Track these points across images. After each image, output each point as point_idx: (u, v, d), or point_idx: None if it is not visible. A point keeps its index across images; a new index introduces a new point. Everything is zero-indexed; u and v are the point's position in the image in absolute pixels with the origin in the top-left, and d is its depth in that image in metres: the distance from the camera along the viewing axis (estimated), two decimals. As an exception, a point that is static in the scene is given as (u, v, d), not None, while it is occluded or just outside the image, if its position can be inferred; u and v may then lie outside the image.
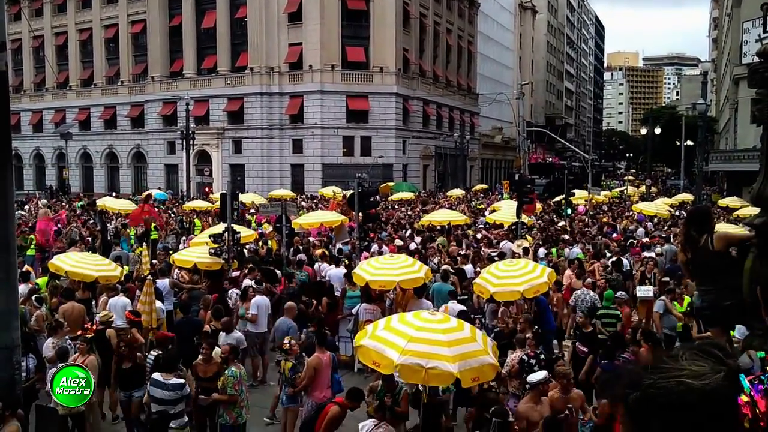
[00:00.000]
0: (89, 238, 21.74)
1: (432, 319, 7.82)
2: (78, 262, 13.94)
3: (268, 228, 23.03)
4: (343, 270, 15.33)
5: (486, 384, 8.05)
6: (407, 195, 40.66)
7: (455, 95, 64.52)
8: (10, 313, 7.69)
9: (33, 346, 10.17)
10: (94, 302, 13.51)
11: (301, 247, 19.32)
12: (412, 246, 19.07)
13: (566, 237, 21.14)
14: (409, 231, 23.59)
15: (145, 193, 32.17)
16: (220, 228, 16.29)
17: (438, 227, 23.76)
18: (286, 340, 10.09)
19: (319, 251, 19.12)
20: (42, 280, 14.49)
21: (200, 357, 9.26)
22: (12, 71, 55.07)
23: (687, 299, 12.52)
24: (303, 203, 35.74)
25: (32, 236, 20.52)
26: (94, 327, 11.06)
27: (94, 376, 9.47)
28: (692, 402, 1.21)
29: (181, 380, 8.16)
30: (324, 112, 51.36)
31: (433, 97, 59.14)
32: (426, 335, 7.42)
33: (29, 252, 19.51)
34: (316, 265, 16.74)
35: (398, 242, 19.45)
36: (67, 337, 10.34)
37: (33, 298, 12.26)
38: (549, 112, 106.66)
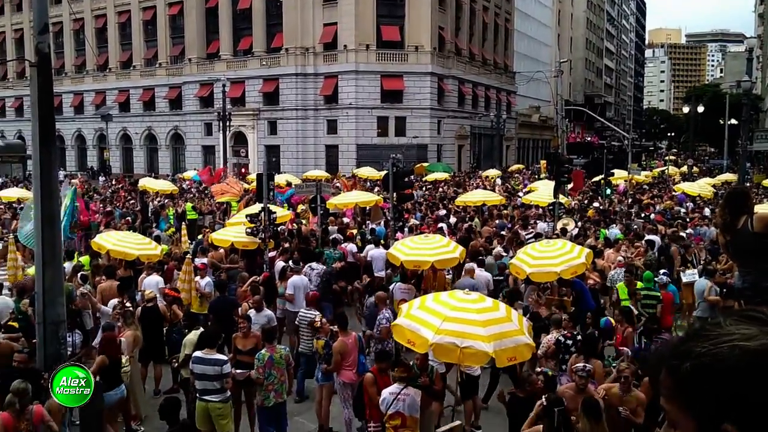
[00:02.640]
0: (129, 218, 22.21)
1: (467, 298, 7.82)
2: (120, 241, 14.27)
3: (302, 209, 23.16)
4: (383, 250, 15.38)
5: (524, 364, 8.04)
6: (442, 175, 40.48)
7: (491, 74, 63.73)
8: (56, 290, 7.92)
9: (78, 322, 10.46)
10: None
11: (331, 227, 19.42)
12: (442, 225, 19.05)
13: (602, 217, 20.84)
14: (443, 211, 23.52)
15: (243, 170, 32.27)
16: (256, 208, 16.47)
17: (473, 208, 23.65)
18: (317, 318, 10.21)
19: (352, 231, 19.24)
20: (85, 259, 14.89)
21: (239, 332, 9.44)
22: (54, 54, 56.06)
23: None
24: (338, 183, 35.83)
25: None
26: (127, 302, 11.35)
27: (134, 350, 9.76)
28: (752, 364, 1.17)
29: (223, 356, 8.32)
30: (358, 93, 51.25)
31: (469, 76, 58.50)
32: (461, 315, 7.44)
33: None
34: (349, 245, 16.83)
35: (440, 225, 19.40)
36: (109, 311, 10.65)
37: (78, 275, 12.59)
38: (588, 90, 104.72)
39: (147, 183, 31.64)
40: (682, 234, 17.51)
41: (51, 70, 7.78)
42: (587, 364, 7.45)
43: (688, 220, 21.18)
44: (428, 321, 7.46)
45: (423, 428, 7.84)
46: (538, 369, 8.62)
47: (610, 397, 7.27)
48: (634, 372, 7.58)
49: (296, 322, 11.13)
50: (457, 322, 7.34)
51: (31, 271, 13.16)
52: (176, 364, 9.90)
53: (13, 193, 28.32)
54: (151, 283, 12.51)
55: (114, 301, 11.03)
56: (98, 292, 12.05)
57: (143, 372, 10.80)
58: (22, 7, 68.95)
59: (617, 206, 25.64)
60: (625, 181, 32.97)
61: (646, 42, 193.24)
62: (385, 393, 7.54)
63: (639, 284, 12.33)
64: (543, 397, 6.70)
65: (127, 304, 11.21)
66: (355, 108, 51.04)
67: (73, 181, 36.23)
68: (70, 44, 67.06)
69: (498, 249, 15.61)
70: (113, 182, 43.25)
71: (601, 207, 24.24)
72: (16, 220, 22.32)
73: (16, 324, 10.35)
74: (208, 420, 8.19)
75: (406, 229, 18.81)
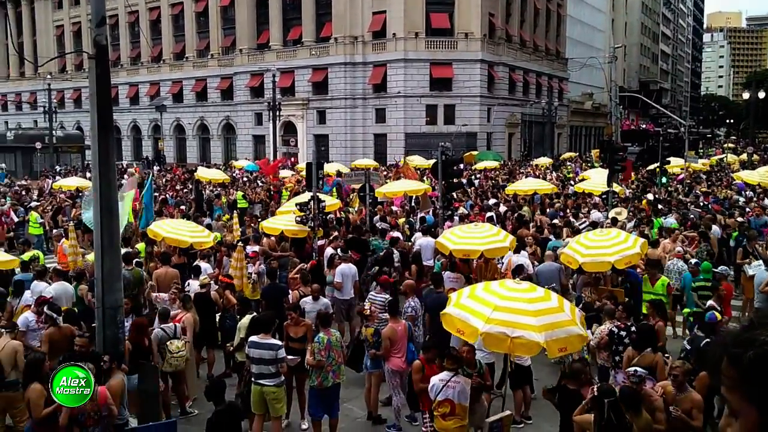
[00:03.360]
0: (183, 207, 22.69)
1: (518, 288, 7.73)
2: (174, 229, 14.59)
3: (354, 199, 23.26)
4: (431, 239, 15.39)
5: (575, 355, 7.91)
6: (492, 164, 40.09)
7: (543, 60, 62.70)
8: (114, 276, 8.13)
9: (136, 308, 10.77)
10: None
11: (379, 215, 19.49)
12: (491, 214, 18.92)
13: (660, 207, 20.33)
14: (493, 200, 23.30)
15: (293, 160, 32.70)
16: (306, 197, 16.61)
17: (523, 196, 23.35)
18: (366, 306, 10.25)
19: (400, 220, 19.26)
20: (141, 246, 15.28)
21: (289, 320, 9.56)
22: (110, 46, 57.48)
23: None
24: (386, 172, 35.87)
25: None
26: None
27: (191, 333, 9.97)
28: None
29: (278, 341, 8.44)
30: (407, 81, 51.09)
31: (520, 63, 57.67)
32: (512, 304, 7.36)
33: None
34: (396, 233, 16.83)
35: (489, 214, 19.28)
36: (166, 297, 10.92)
37: (134, 262, 12.92)
38: (643, 76, 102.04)
39: (200, 172, 32.30)
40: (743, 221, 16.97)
41: (108, 62, 7.96)
42: (638, 368, 7.17)
43: (747, 210, 20.46)
44: (478, 310, 7.39)
45: (474, 420, 7.81)
46: (575, 356, 8.45)
47: (666, 396, 7.07)
48: (686, 370, 7.32)
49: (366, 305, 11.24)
50: (507, 311, 7.26)
51: (90, 257, 13.60)
52: (231, 349, 10.11)
53: (72, 182, 29.27)
54: (203, 269, 12.75)
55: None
56: (154, 278, 12.35)
57: (197, 356, 11.04)
58: (79, 1, 70.87)
59: (674, 195, 24.94)
60: (682, 169, 32.05)
61: (705, 26, 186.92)
62: (435, 380, 7.53)
63: (663, 279, 11.91)
64: (593, 387, 6.58)
65: (187, 289, 11.50)
66: (403, 96, 50.92)
67: (129, 170, 37.25)
68: (125, 37, 68.69)
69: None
70: (167, 171, 44.26)
71: (657, 196, 23.58)
72: (75, 208, 23.09)
73: (75, 309, 10.72)
74: (263, 403, 8.37)
75: (455, 218, 18.72)
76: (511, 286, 7.79)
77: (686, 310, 12.38)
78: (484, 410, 7.99)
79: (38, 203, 24.87)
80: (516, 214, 19.08)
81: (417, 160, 39.20)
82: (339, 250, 14.36)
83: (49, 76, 56.29)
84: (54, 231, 19.34)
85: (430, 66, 51.03)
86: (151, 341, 9.21)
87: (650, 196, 23.28)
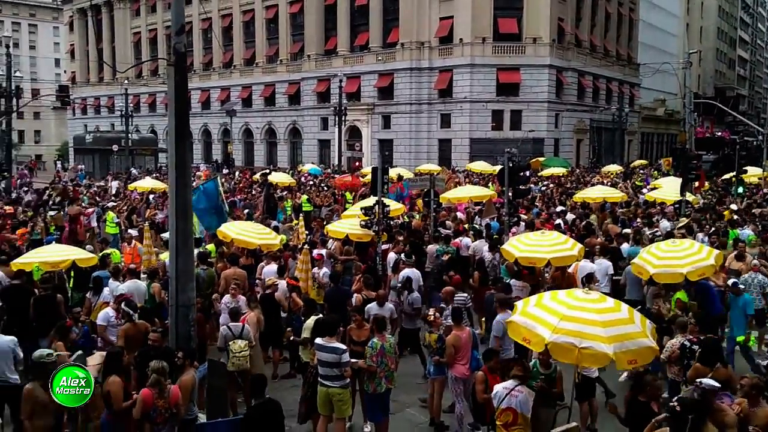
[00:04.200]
0: (246, 210, 23.15)
1: (587, 298, 7.58)
2: (242, 231, 14.95)
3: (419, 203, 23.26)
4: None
5: (642, 367, 7.69)
6: (559, 170, 39.40)
7: (614, 66, 61.22)
8: (188, 275, 8.42)
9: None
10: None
11: (447, 222, 19.43)
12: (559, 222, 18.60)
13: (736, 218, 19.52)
14: (560, 207, 22.90)
15: (357, 164, 33.29)
16: (371, 201, 16.73)
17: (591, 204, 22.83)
18: (430, 312, 10.25)
19: (467, 226, 19.15)
20: (211, 246, 15.72)
21: (353, 323, 9.66)
22: (184, 53, 59.28)
23: None
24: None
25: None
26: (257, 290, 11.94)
27: (256, 331, 10.20)
28: None
29: (342, 345, 8.54)
30: (473, 86, 50.77)
31: (590, 68, 56.47)
32: (580, 314, 7.23)
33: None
34: (460, 239, 16.74)
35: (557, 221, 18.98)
36: (241, 297, 11.20)
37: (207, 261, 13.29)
38: (719, 82, 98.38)
39: (273, 176, 32.95)
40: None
41: (186, 69, 8.25)
42: (704, 380, 6.85)
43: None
44: (545, 319, 7.29)
45: (538, 429, 7.69)
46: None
47: (744, 413, 6.80)
48: (755, 384, 7.03)
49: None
50: (575, 321, 7.13)
51: (163, 256, 14.09)
52: (291, 338, 10.30)
53: (146, 183, 30.33)
54: (271, 271, 13.01)
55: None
56: (222, 278, 12.68)
57: (263, 356, 11.27)
58: (156, 9, 73.47)
59: (754, 206, 23.91)
60: (760, 179, 30.72)
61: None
62: (498, 387, 7.48)
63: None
64: (674, 400, 6.35)
65: (258, 288, 11.77)
66: (469, 102, 50.63)
67: (198, 173, 38.33)
68: (198, 43, 70.76)
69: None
70: (237, 174, 45.34)
71: (737, 207, 22.62)
72: (149, 209, 23.94)
73: (147, 306, 11.11)
74: (329, 404, 8.51)
75: (521, 225, 18.51)
76: (580, 296, 7.65)
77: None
78: (549, 418, 7.86)
79: (115, 203, 25.89)
80: (584, 222, 18.71)
81: (482, 166, 38.96)
82: (403, 254, 14.40)
83: (126, 82, 58.53)
84: (129, 231, 20.08)
85: (497, 71, 50.57)
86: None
87: (734, 207, 22.35)
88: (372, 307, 10.71)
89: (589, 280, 11.47)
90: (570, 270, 13.25)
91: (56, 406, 6.89)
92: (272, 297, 11.53)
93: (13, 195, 30.48)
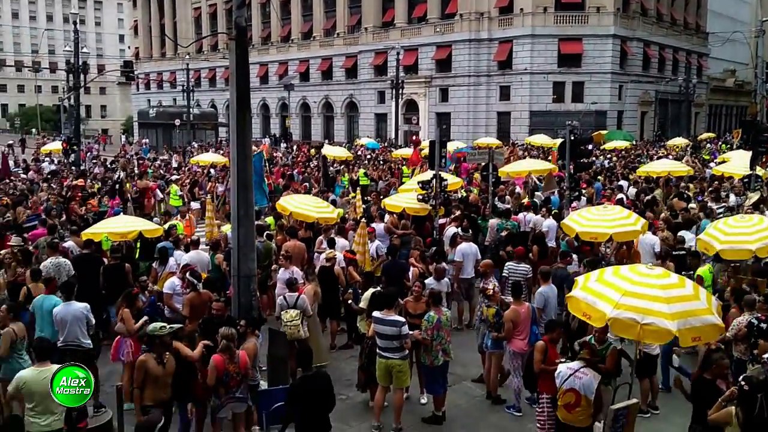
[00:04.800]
0: (306, 184, 23.40)
1: (650, 273, 7.40)
2: (301, 204, 15.14)
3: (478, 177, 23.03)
4: (553, 221, 15.12)
5: (713, 344, 7.51)
6: (622, 144, 38.33)
7: (681, 35, 58.85)
8: (249, 246, 8.61)
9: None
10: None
11: (507, 197, 19.22)
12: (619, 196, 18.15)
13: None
14: (623, 182, 22.34)
15: (416, 138, 33.19)
16: (428, 175, 16.66)
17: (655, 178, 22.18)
18: (490, 286, 10.19)
19: (525, 200, 18.90)
20: (270, 219, 15.99)
21: (411, 296, 9.72)
22: (243, 28, 59.87)
23: None
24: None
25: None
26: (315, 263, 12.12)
27: (313, 302, 10.37)
28: None
29: (400, 318, 8.61)
30: (534, 57, 49.68)
31: (655, 38, 54.44)
32: (642, 290, 7.07)
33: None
34: (521, 214, 16.54)
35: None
36: (294, 268, 11.39)
37: (264, 234, 13.54)
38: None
39: (325, 150, 33.15)
40: None
41: (247, 43, 8.34)
42: None
43: None
44: (606, 295, 7.16)
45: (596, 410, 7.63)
46: (713, 346, 7.88)
47: None
48: None
49: (506, 274, 11.45)
50: (638, 297, 6.98)
51: (225, 228, 14.42)
52: (350, 302, 10.50)
53: (207, 157, 30.98)
54: (338, 245, 13.14)
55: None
56: (283, 251, 12.90)
57: (321, 327, 11.46)
58: (216, -16, 74.27)
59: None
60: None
61: None
62: (563, 367, 7.40)
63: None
64: (742, 379, 6.18)
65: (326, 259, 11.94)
66: (530, 73, 49.65)
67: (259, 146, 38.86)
68: (257, 17, 71.26)
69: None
70: (294, 149, 45.82)
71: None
72: (211, 182, 24.49)
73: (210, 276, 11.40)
74: (388, 375, 8.62)
75: (582, 199, 18.16)
76: (643, 271, 7.47)
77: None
78: (608, 396, 7.76)
79: (178, 177, 26.56)
80: (649, 197, 18.20)
81: (542, 139, 38.26)
82: (460, 229, 14.34)
83: (187, 57, 59.56)
84: (192, 204, 20.61)
85: (558, 42, 49.30)
86: None
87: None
88: (429, 282, 10.74)
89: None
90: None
91: (171, 380, 7.24)
92: (330, 270, 11.68)
93: (83, 168, 31.60)
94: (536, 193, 20.51)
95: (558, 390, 7.35)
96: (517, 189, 21.09)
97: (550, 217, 15.72)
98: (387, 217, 16.08)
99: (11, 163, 32.46)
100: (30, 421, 6.78)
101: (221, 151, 36.91)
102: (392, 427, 8.67)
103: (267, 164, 22.90)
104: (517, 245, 13.55)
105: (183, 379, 7.56)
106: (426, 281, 10.74)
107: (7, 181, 25.13)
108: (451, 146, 29.61)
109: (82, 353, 8.78)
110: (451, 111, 54.05)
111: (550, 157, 27.89)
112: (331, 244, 12.99)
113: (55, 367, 6.81)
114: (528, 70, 49.68)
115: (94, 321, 9.25)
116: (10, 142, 51.63)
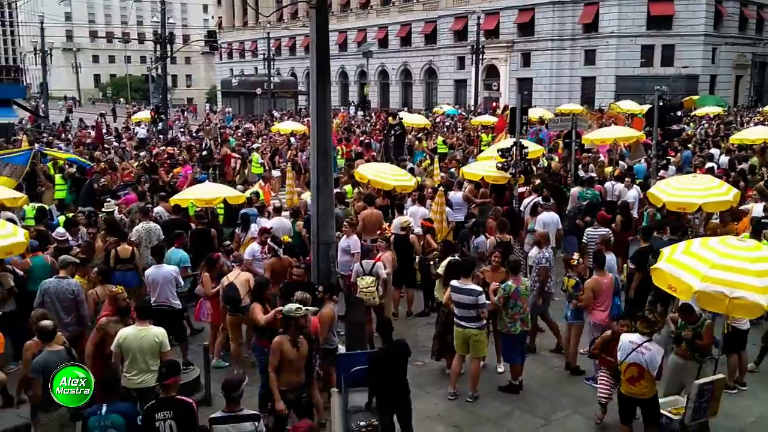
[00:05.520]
0: (374, 153, 23.41)
1: (741, 246, 7.10)
2: (378, 172, 15.21)
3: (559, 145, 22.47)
4: (635, 191, 14.65)
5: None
6: (714, 110, 36.42)
7: (783, -8, 55.06)
8: (328, 214, 8.76)
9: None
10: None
11: (591, 165, 18.68)
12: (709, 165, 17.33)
13: None
14: (715, 150, 21.29)
15: (503, 105, 32.72)
16: (508, 143, 16.38)
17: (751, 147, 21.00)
18: (575, 256, 10.00)
19: (608, 169, 18.33)
20: (348, 188, 16.18)
21: (490, 265, 9.67)
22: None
23: None
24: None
25: (339, 147, 22.78)
26: (389, 230, 12.19)
27: (391, 269, 10.45)
28: None
29: (477, 287, 8.60)
30: (621, 19, 47.68)
31: (754, -3, 51.21)
32: (732, 263, 6.80)
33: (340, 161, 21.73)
34: (608, 184, 16.05)
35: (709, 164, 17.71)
36: (353, 236, 11.49)
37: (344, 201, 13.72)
38: None
39: (403, 117, 33.03)
40: None
41: (327, 11, 8.36)
42: None
43: None
44: (693, 267, 6.91)
45: (675, 382, 7.43)
46: None
47: None
48: None
49: (585, 240, 11.47)
50: (727, 270, 6.71)
51: (305, 196, 14.70)
52: (431, 262, 10.55)
53: (288, 125, 31.48)
54: (418, 213, 13.18)
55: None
56: (360, 218, 13.05)
57: (396, 295, 11.59)
58: (296, -48, 74.60)
59: None
60: None
61: None
62: (625, 340, 7.24)
63: None
64: None
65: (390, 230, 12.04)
66: (616, 36, 47.79)
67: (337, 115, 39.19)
68: (337, -16, 71.37)
69: None
70: (371, 116, 45.90)
71: None
72: (291, 150, 24.91)
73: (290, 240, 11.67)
74: (466, 344, 8.67)
75: (670, 168, 17.44)
76: (733, 244, 7.16)
77: None
78: (694, 371, 7.52)
79: (259, 145, 27.14)
80: (744, 166, 17.29)
81: (628, 105, 36.78)
82: (541, 198, 14.07)
83: (268, 25, 60.35)
84: (272, 172, 21.06)
85: (647, 3, 47.08)
86: None
87: None
88: (533, 252, 10.66)
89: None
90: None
91: (305, 363, 7.12)
92: (406, 238, 11.73)
93: (170, 136, 32.76)
94: (620, 162, 19.84)
95: (620, 363, 7.20)
96: (601, 157, 20.45)
97: (634, 186, 15.22)
98: (466, 184, 15.96)
99: (103, 131, 33.97)
100: (126, 377, 7.19)
101: (302, 120, 37.38)
102: (469, 394, 8.73)
103: (345, 132, 23.07)
104: (593, 214, 13.22)
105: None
106: (530, 253, 10.69)
107: (101, 148, 26.33)
108: (533, 113, 28.95)
109: (172, 313, 9.27)
110: (533, 76, 52.75)
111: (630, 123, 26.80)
112: (401, 210, 13.03)
113: (154, 328, 7.21)
114: (615, 33, 47.83)
115: (183, 283, 9.71)
116: (102, 111, 54.05)
